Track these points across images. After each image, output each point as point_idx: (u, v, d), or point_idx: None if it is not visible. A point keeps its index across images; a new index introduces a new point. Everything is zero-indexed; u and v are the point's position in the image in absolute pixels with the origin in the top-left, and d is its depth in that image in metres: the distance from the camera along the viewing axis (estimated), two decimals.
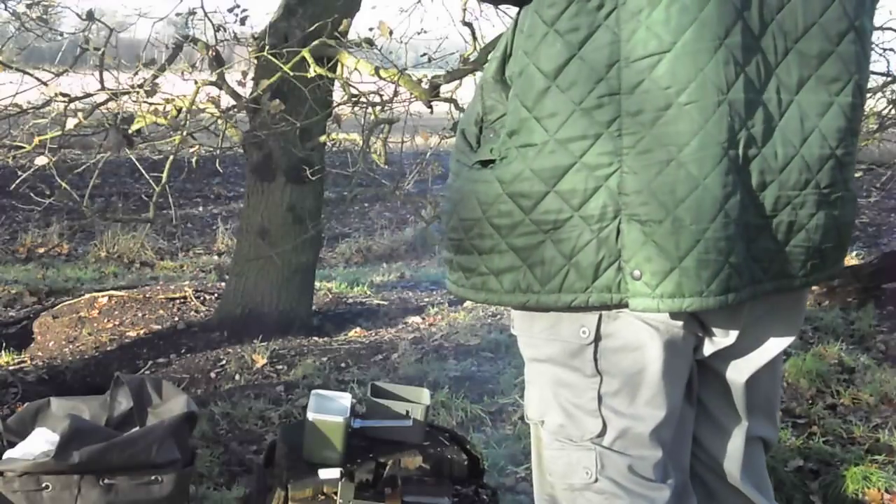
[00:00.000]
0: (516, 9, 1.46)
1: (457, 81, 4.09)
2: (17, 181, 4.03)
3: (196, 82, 3.97)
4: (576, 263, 1.36)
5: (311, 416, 2.21)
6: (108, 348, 4.49)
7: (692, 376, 1.50)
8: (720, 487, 1.59)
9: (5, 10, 4.74)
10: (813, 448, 3.16)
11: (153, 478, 2.15)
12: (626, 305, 1.36)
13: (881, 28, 4.96)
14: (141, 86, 3.84)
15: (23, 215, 8.04)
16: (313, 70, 3.78)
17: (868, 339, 4.49)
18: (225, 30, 4.33)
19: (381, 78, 3.90)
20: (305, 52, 3.77)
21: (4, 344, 4.47)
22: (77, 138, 6.22)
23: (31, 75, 4.29)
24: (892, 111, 4.91)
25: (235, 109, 4.26)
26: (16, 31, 4.84)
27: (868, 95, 3.81)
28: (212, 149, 4.73)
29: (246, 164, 5.02)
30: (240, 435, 3.45)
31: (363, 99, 4.15)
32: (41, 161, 3.72)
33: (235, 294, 4.78)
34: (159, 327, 4.74)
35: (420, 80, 4.00)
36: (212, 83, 4.06)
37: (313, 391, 2.36)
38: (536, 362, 1.50)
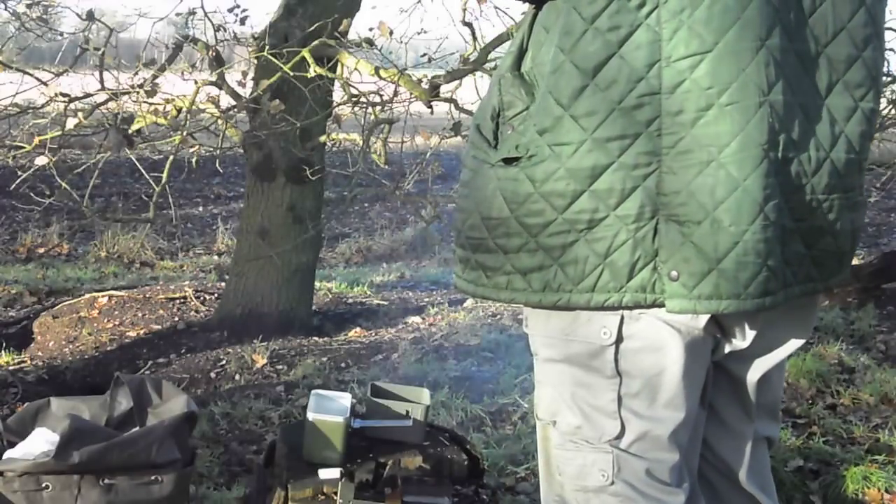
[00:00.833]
0: (527, 6, 1.45)
1: (457, 81, 4.09)
2: (17, 181, 4.03)
3: (196, 82, 3.97)
4: (610, 263, 1.35)
5: (311, 416, 2.21)
6: (108, 348, 4.49)
7: (707, 379, 1.50)
8: (726, 488, 1.59)
9: (5, 10, 4.74)
10: (813, 448, 3.16)
11: (153, 478, 2.15)
12: (661, 306, 1.35)
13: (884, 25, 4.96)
14: (141, 86, 3.84)
15: (23, 215, 8.04)
16: (313, 70, 3.77)
17: (868, 339, 4.49)
18: (225, 30, 4.33)
19: (381, 78, 3.90)
20: (305, 52, 3.77)
21: (4, 344, 4.47)
22: (77, 138, 6.23)
23: (31, 75, 4.29)
24: (892, 111, 4.91)
25: (235, 109, 4.27)
26: (16, 31, 4.84)
27: None
28: (212, 149, 4.72)
29: (246, 164, 5.02)
30: (240, 435, 3.45)
31: (363, 99, 4.15)
32: (41, 161, 3.72)
33: (235, 294, 4.78)
34: (159, 327, 4.74)
35: (420, 80, 4.00)
36: (212, 83, 4.06)
37: (313, 391, 2.36)
38: (551, 362, 1.48)
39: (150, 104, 3.89)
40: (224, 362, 4.26)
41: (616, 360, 1.41)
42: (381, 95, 4.13)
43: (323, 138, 4.47)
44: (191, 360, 4.33)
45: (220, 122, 4.10)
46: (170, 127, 4.08)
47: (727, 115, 1.29)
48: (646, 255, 1.34)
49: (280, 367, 4.17)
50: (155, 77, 4.03)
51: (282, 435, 2.34)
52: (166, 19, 4.52)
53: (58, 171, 3.89)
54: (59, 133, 3.92)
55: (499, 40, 3.93)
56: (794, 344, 1.52)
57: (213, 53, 4.16)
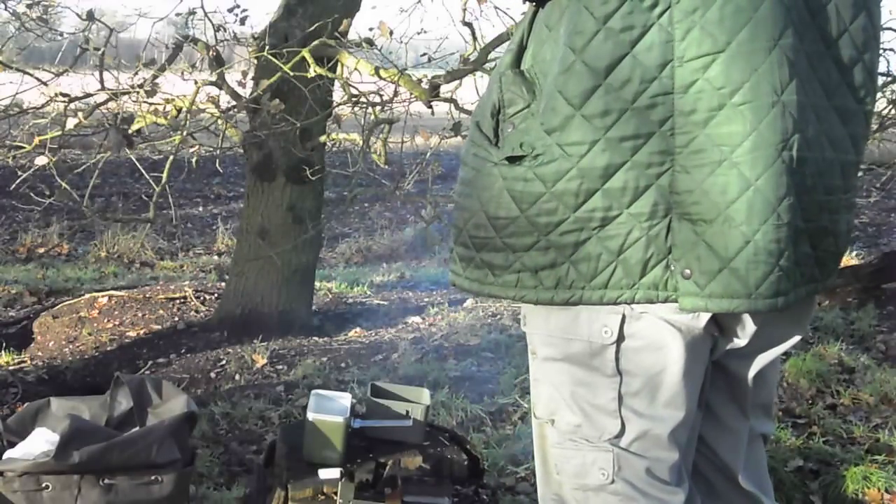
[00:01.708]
0: (528, 5, 1.46)
1: (457, 81, 4.08)
2: (17, 181, 4.02)
3: (196, 82, 3.96)
4: (623, 260, 1.36)
5: (311, 416, 2.21)
6: (108, 348, 4.49)
7: (705, 378, 1.50)
8: (723, 485, 1.60)
9: (5, 10, 4.73)
10: (813, 448, 3.16)
11: (153, 478, 2.15)
12: (673, 302, 1.36)
13: (882, 28, 4.95)
14: (141, 86, 3.84)
15: (23, 215, 8.04)
16: (313, 70, 3.77)
17: (868, 339, 4.49)
18: (225, 30, 4.33)
19: (381, 78, 3.90)
20: (305, 52, 3.77)
21: (4, 344, 4.47)
22: (77, 138, 6.23)
23: (31, 75, 4.29)
24: (892, 111, 4.91)
25: (235, 109, 4.26)
26: (16, 31, 4.84)
27: None
28: (212, 149, 4.72)
29: (246, 164, 5.02)
30: (240, 435, 3.45)
31: (363, 99, 4.15)
32: (41, 161, 3.72)
33: (235, 294, 4.78)
34: (159, 327, 4.74)
35: (420, 80, 3.99)
36: (212, 83, 4.06)
37: (313, 391, 2.36)
38: (551, 361, 1.48)
39: (150, 104, 3.89)
40: (224, 362, 4.25)
41: (617, 359, 1.41)
42: (381, 95, 4.13)
43: (323, 138, 4.46)
44: (191, 360, 4.33)
45: (220, 122, 4.10)
46: (170, 127, 4.08)
47: (740, 115, 1.30)
48: (658, 253, 1.35)
49: (280, 367, 4.17)
50: (155, 77, 4.03)
51: (282, 435, 2.34)
52: (166, 19, 4.53)
53: (58, 171, 3.89)
54: (59, 133, 3.92)
55: (499, 40, 3.93)
56: (791, 341, 1.53)
57: (213, 53, 4.16)
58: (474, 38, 4.12)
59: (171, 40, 4.64)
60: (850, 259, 6.06)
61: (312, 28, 3.95)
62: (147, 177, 4.14)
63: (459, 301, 5.37)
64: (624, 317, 1.40)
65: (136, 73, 4.00)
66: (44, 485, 2.08)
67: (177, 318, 4.86)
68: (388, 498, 2.04)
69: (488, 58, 3.95)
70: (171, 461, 2.18)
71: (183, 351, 4.45)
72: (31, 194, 4.38)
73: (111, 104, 4.08)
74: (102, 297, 5.10)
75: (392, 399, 2.39)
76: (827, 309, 4.80)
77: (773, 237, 1.31)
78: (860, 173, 1.52)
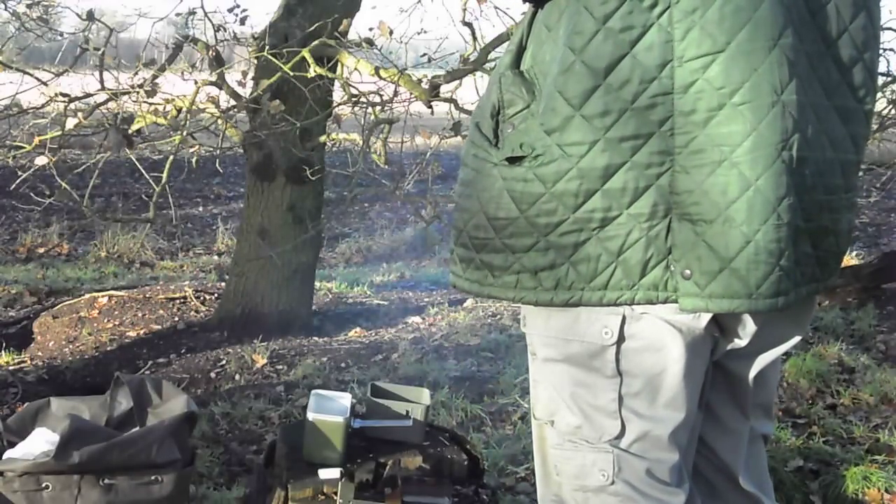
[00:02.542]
0: (528, 5, 1.46)
1: (457, 81, 4.08)
2: (17, 181, 4.03)
3: (196, 82, 3.96)
4: (623, 261, 1.35)
5: (311, 416, 2.20)
6: (108, 348, 4.49)
7: (706, 379, 1.50)
8: (724, 486, 1.60)
9: (5, 10, 4.74)
10: (813, 448, 3.16)
11: (153, 478, 2.15)
12: (673, 303, 1.36)
13: (881, 28, 4.95)
14: (141, 86, 3.84)
15: (23, 215, 8.04)
16: (313, 70, 3.77)
17: (868, 339, 4.49)
18: (225, 30, 4.33)
19: (381, 78, 3.90)
20: (305, 52, 3.77)
21: (4, 344, 4.48)
22: (77, 138, 6.22)
23: (31, 75, 4.29)
24: (892, 111, 4.90)
25: (235, 109, 4.26)
26: (16, 31, 4.84)
27: None
28: (212, 149, 4.72)
29: (246, 164, 5.02)
30: (240, 435, 3.45)
31: (363, 99, 4.15)
32: (41, 161, 3.72)
33: (235, 294, 4.78)
34: (159, 327, 4.74)
35: (420, 80, 3.99)
36: (212, 83, 4.06)
37: (313, 391, 2.36)
38: (551, 362, 1.48)
39: (150, 104, 3.89)
40: (224, 362, 4.26)
41: (617, 360, 1.41)
42: (381, 95, 4.13)
43: (323, 138, 4.47)
44: (191, 360, 4.33)
45: (220, 122, 4.10)
46: (170, 127, 4.08)
47: (739, 115, 1.30)
48: (658, 253, 1.35)
49: (280, 367, 4.17)
50: (155, 77, 4.03)
51: (282, 435, 2.33)
52: (166, 19, 4.52)
53: (58, 171, 3.89)
54: (59, 133, 3.92)
55: (499, 40, 3.93)
56: (791, 341, 1.52)
57: (213, 53, 4.16)
58: (474, 38, 4.12)
59: (171, 40, 4.64)
60: (850, 259, 6.06)
61: (312, 28, 3.95)
62: (147, 177, 4.14)
63: (459, 301, 5.37)
64: (624, 317, 1.39)
65: (136, 73, 3.99)
66: (44, 485, 2.08)
67: (177, 318, 4.86)
68: (388, 498, 2.04)
69: (488, 58, 3.95)
70: (171, 461, 2.18)
71: (183, 351, 4.45)
72: (31, 194, 4.38)
73: (111, 104, 4.08)
74: (102, 297, 5.10)
75: (392, 399, 2.38)
76: (827, 309, 4.80)
77: (773, 237, 1.31)
78: (860, 173, 1.52)
